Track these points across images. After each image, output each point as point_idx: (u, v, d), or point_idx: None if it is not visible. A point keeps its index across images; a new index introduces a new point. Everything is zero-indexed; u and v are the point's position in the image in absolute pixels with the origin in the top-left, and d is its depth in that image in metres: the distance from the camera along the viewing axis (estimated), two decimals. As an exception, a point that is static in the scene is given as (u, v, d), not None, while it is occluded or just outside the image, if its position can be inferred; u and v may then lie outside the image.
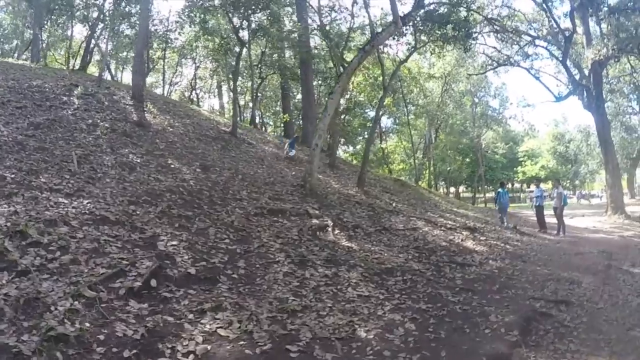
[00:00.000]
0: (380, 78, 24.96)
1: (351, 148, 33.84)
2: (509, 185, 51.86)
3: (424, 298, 5.38)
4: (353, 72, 11.75)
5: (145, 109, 12.07)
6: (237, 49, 15.81)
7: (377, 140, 30.48)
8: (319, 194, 10.14)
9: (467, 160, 36.72)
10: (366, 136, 33.08)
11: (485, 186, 40.69)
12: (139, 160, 8.50)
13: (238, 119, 16.81)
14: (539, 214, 13.62)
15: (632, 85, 29.04)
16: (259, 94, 24.23)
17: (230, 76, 23.83)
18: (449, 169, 33.74)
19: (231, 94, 27.47)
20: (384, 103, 27.91)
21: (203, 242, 5.77)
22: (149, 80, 27.25)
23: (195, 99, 28.39)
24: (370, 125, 31.42)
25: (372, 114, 31.12)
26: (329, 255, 6.49)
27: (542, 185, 18.85)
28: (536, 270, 7.43)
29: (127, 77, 28.50)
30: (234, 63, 23.63)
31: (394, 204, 12.02)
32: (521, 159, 48.53)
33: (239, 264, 5.49)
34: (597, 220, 17.89)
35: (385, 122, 32.81)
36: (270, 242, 6.64)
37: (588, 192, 43.04)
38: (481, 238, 10.15)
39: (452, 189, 47.03)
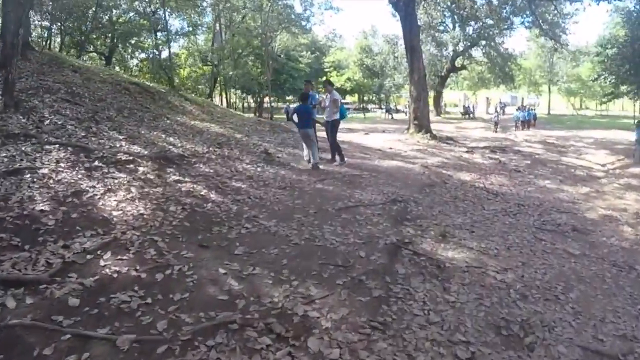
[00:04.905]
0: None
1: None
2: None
3: None
4: None
5: None
6: None
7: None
8: None
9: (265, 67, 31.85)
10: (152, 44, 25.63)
11: (289, 97, 36.84)
12: None
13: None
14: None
15: (449, 1, 26.53)
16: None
17: None
18: (231, 73, 27.98)
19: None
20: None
21: None
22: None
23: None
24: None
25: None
26: None
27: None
28: (206, 286, 3.16)
29: None
30: None
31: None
32: (327, 70, 45.49)
33: None
34: (397, 139, 14.58)
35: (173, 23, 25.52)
36: None
37: (393, 106, 43.83)
38: (171, 179, 5.37)
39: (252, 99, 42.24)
